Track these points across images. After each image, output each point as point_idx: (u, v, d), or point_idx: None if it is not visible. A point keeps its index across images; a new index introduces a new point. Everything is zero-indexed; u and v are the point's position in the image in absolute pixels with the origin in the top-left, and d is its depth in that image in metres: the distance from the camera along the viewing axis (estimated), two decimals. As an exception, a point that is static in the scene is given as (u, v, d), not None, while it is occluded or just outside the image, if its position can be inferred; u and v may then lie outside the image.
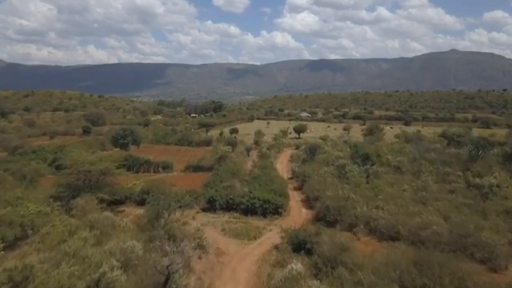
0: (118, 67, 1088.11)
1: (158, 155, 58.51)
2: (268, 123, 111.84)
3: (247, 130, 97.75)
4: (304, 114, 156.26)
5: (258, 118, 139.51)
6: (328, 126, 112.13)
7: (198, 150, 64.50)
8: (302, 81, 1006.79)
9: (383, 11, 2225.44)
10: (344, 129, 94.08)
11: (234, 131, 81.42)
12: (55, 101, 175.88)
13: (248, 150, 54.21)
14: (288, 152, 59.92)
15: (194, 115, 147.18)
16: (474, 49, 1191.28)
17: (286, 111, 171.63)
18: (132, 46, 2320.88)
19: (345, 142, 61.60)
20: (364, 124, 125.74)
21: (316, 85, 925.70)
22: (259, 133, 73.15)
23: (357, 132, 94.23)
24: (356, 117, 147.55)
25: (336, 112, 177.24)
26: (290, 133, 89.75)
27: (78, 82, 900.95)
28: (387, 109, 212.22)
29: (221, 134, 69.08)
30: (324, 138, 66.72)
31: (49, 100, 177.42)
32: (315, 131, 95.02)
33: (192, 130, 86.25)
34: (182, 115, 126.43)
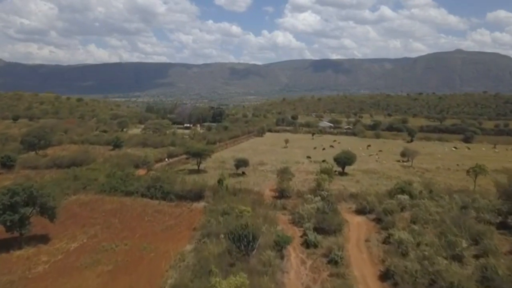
0: (119, 67, 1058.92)
1: (88, 244, 28.67)
2: (286, 142, 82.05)
3: (259, 154, 68.11)
4: (325, 123, 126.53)
5: (270, 130, 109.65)
6: (369, 146, 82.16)
7: (179, 216, 34.86)
8: (304, 81, 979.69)
9: (385, 11, 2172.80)
10: (403, 155, 64.08)
11: (242, 162, 51.78)
12: (23, 106, 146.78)
13: (280, 245, 24.09)
14: (356, 232, 29.98)
15: (188, 124, 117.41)
16: (477, 49, 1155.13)
17: (301, 119, 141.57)
18: (133, 45, 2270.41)
19: (465, 209, 31.73)
20: (411, 141, 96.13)
21: (319, 85, 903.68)
22: (284, 173, 43.46)
23: (424, 161, 64.06)
24: (391, 128, 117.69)
25: (359, 118, 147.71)
26: (324, 161, 60.07)
27: (78, 82, 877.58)
28: (414, 115, 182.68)
29: (220, 181, 39.31)
30: (408, 190, 36.77)
31: (16, 104, 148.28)
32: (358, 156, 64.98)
33: (167, 159, 56.79)
34: (170, 126, 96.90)
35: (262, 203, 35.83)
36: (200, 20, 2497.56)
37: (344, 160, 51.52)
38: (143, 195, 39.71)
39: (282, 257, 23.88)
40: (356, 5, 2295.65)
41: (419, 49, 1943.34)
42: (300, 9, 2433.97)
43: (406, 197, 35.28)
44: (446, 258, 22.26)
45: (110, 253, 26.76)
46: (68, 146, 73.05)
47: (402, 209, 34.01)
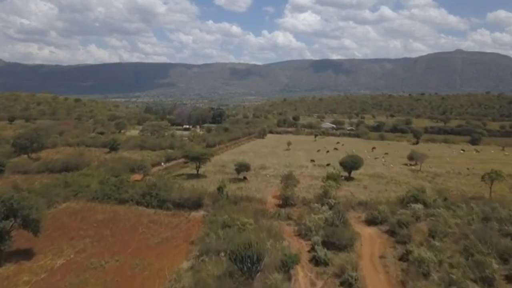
0: (119, 67, 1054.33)
1: (76, 260, 26.05)
2: (288, 145, 79.52)
3: (261, 158, 65.64)
4: (327, 124, 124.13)
5: (271, 132, 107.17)
6: (374, 148, 79.69)
7: (175, 227, 32.38)
8: (305, 81, 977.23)
9: (385, 11, 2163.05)
10: (410, 158, 61.59)
11: (243, 167, 49.26)
12: (19, 106, 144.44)
13: (287, 265, 21.52)
14: (369, 247, 27.43)
15: (187, 126, 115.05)
16: (477, 49, 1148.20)
17: (302, 119, 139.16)
18: (133, 45, 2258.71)
19: (487, 221, 29.25)
20: (417, 143, 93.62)
21: (319, 85, 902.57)
22: (288, 179, 41.04)
23: (433, 164, 61.31)
24: (395, 130, 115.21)
25: (362, 119, 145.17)
26: (329, 164, 57.77)
27: (78, 82, 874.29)
28: (417, 116, 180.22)
29: (220, 188, 36.70)
30: (421, 199, 34.23)
31: (13, 105, 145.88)
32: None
33: (164, 164, 54.07)
34: (168, 128, 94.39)
35: (266, 213, 33.31)
36: (200, 20, 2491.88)
37: (351, 165, 48.97)
38: (138, 203, 37.25)
39: (289, 278, 21.35)
40: (356, 5, 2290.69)
41: (419, 49, 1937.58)
42: (300, 9, 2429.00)
43: (420, 206, 32.76)
44: (475, 281, 19.76)
45: (99, 271, 24.27)
46: (63, 149, 70.50)
47: (417, 219, 31.55)
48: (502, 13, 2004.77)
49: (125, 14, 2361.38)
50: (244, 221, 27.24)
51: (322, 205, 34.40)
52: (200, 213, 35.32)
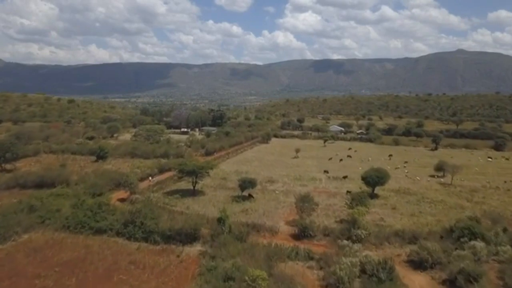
0: (119, 67, 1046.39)
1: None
2: (297, 152, 71.76)
3: (267, 168, 58.11)
4: (336, 127, 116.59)
5: (275, 136, 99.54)
6: (391, 155, 72.09)
7: (163, 271, 24.88)
8: (305, 81, 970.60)
9: (386, 11, 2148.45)
10: (438, 169, 53.98)
11: (247, 183, 41.59)
12: (9, 108, 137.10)
13: None
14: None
15: (185, 129, 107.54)
16: (478, 49, 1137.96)
17: (307, 121, 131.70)
18: (134, 45, 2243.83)
19: None
20: (436, 149, 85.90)
21: (320, 85, 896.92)
22: (304, 201, 33.46)
23: (463, 176, 53.30)
24: (408, 133, 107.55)
25: (369, 120, 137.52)
26: (346, 177, 50.47)
27: (79, 82, 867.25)
28: (426, 117, 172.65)
29: (220, 220, 28.97)
30: (480, 232, 26.67)
31: (2, 106, 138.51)
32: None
33: (152, 178, 46.13)
34: (164, 132, 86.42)
35: (281, 253, 25.70)
36: (201, 20, 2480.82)
37: (376, 180, 41.44)
38: (118, 234, 29.81)
39: None
40: (357, 5, 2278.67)
41: (420, 49, 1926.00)
42: (300, 9, 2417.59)
43: (482, 244, 25.19)
44: None
45: None
46: (45, 157, 63.13)
47: (476, 261, 24.08)
48: (502, 13, 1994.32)
49: (125, 14, 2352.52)
50: (255, 274, 19.70)
51: (352, 240, 26.89)
52: (195, 249, 27.83)
